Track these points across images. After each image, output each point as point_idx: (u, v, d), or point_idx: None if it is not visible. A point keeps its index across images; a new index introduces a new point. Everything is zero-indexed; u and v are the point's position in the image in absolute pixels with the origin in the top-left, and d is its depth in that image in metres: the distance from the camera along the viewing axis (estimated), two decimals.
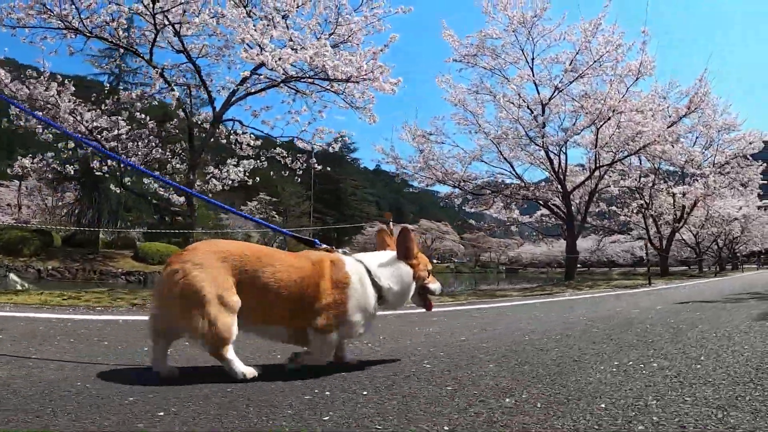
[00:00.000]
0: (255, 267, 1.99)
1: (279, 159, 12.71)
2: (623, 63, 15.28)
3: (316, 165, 12.49)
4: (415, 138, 17.36)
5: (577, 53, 15.49)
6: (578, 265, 65.18)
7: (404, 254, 2.25)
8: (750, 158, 23.27)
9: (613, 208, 24.02)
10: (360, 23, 10.81)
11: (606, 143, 15.57)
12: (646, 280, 14.40)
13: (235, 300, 1.91)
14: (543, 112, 15.99)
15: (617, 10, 15.57)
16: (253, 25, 9.34)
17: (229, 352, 1.92)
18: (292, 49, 9.39)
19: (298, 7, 10.39)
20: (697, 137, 23.29)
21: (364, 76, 9.68)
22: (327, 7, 10.67)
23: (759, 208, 35.77)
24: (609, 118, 15.02)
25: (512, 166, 18.08)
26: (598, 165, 16.52)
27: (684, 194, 19.95)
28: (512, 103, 16.14)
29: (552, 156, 16.69)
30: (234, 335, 1.91)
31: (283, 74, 9.71)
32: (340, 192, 70.63)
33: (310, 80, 10.47)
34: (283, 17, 10.14)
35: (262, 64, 9.69)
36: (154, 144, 12.53)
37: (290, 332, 2.08)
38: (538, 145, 16.39)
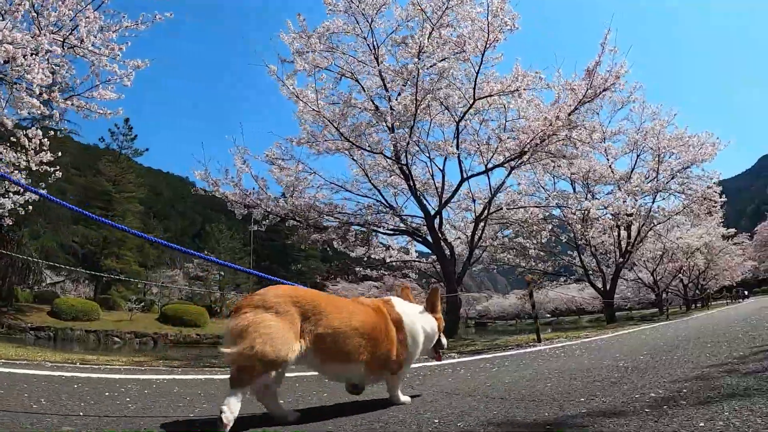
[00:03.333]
0: (325, 311, 2.01)
1: None
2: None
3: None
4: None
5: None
6: (548, 315, 59.31)
7: (432, 308, 2.49)
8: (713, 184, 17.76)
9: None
10: None
11: (476, 146, 9.94)
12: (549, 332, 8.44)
13: (298, 345, 1.90)
14: (391, 111, 10.33)
15: None
16: None
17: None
18: None
19: None
20: (638, 156, 17.97)
21: None
22: None
23: (724, 237, 30.26)
24: (468, 108, 9.56)
25: (380, 192, 12.40)
26: (465, 176, 10.75)
27: (617, 217, 14.11)
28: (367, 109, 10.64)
29: (409, 169, 10.84)
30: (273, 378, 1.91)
31: None
32: (286, 247, 64.07)
33: None
34: None
35: None
36: None
37: (363, 371, 2.13)
38: (389, 157, 10.70)
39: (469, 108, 9.66)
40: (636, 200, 16.09)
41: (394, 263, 14.77)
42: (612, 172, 16.00)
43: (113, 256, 40.88)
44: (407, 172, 10.56)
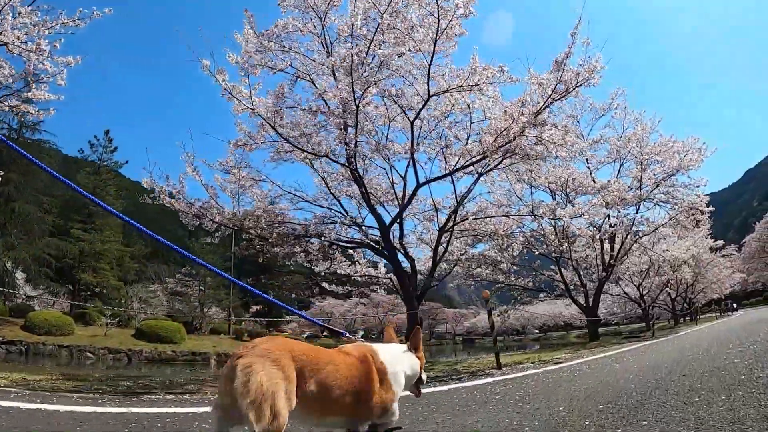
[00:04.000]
0: (317, 365, 2.02)
1: None
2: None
3: None
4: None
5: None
6: (536, 330, 57.87)
7: (414, 347, 2.60)
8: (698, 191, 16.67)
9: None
10: None
11: (436, 149, 8.79)
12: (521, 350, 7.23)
13: (294, 399, 1.88)
14: (344, 111, 9.13)
15: None
16: None
17: None
18: None
19: None
20: (621, 165, 16.91)
21: None
22: None
23: (712, 250, 29.29)
24: (423, 106, 8.45)
25: (339, 201, 11.18)
26: (422, 182, 9.56)
27: (598, 229, 12.96)
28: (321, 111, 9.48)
29: (359, 173, 9.61)
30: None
31: None
32: (269, 263, 61.66)
33: None
34: None
35: None
36: None
37: (347, 421, 2.17)
38: (334, 160, 9.51)
39: (424, 105, 8.52)
40: (619, 210, 15.01)
41: (359, 278, 13.50)
42: (594, 181, 14.90)
43: (90, 270, 39.36)
44: (358, 176, 9.36)
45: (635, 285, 22.94)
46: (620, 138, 15.90)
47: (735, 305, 40.13)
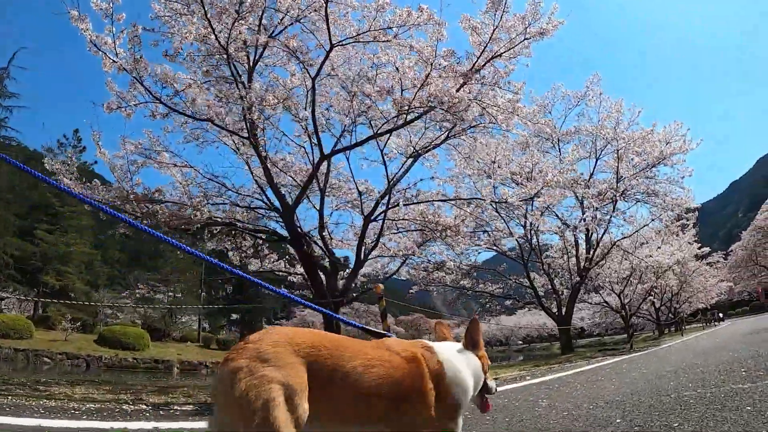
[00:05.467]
0: (337, 360, 1.47)
1: None
2: None
3: None
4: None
5: None
6: (519, 342, 55.75)
7: (473, 344, 1.88)
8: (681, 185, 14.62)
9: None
10: None
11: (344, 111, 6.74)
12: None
13: (305, 409, 1.37)
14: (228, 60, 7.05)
15: None
16: None
17: None
18: None
19: None
20: (597, 159, 14.89)
21: None
22: None
23: (698, 258, 27.40)
24: (325, 59, 6.45)
25: (257, 183, 9.06)
26: (327, 153, 7.47)
27: (567, 226, 10.88)
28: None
29: (256, 140, 7.48)
30: None
31: None
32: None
33: None
34: None
35: None
36: None
37: None
38: (222, 127, 7.43)
39: (326, 58, 6.53)
40: (595, 207, 12.99)
41: (295, 280, 11.47)
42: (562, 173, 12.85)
43: (54, 273, 37.25)
44: (254, 145, 7.25)
45: (616, 293, 20.82)
46: (596, 127, 13.86)
47: (721, 315, 38.18)
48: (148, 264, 47.10)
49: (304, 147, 9.15)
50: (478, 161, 11.21)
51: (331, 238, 11.33)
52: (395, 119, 6.67)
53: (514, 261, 14.35)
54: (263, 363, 1.35)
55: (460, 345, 1.88)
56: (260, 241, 10.63)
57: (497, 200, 8.74)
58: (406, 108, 6.16)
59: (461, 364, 1.75)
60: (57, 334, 30.33)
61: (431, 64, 5.96)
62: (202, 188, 9.31)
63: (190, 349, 33.81)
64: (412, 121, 6.62)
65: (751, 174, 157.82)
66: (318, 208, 8.77)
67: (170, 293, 40.22)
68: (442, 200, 8.79)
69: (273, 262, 12.12)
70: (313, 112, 6.98)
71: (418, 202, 8.50)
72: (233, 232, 10.56)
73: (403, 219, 8.81)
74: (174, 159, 9.22)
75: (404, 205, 8.27)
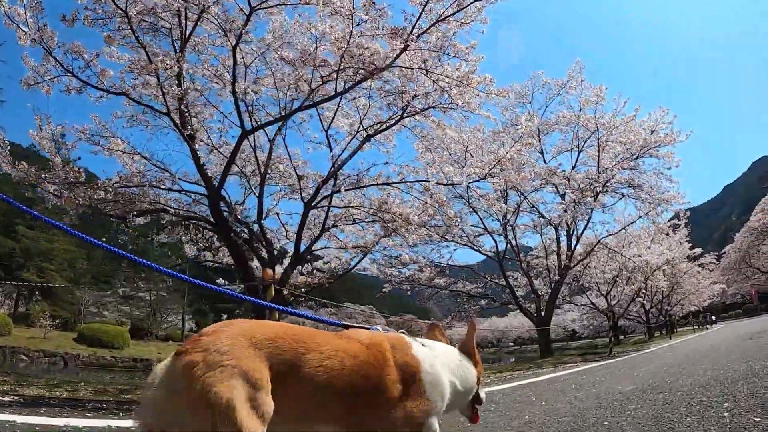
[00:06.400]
0: (299, 353, 1.33)
1: None
2: None
3: None
4: None
5: None
6: (511, 343, 54.63)
7: (468, 352, 1.76)
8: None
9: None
10: None
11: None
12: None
13: (270, 404, 1.23)
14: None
15: None
16: None
17: None
18: None
19: None
20: (580, 151, 13.88)
21: None
22: None
23: (690, 259, 26.47)
24: (246, 23, 5.47)
25: (199, 167, 7.98)
26: (249, 129, 6.45)
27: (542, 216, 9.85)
28: None
29: (182, 112, 6.47)
30: None
31: None
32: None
33: None
34: None
35: None
36: None
37: None
38: (140, 104, 6.40)
39: (247, 21, 5.54)
40: (575, 201, 11.96)
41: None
42: (545, 162, 11.86)
43: (35, 269, 36.42)
44: (174, 123, 6.24)
45: (602, 294, 19.80)
46: (577, 115, 12.84)
47: (714, 318, 37.21)
48: (131, 262, 46.08)
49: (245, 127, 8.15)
50: (448, 151, 10.23)
51: (287, 230, 10.34)
52: (317, 89, 5.68)
53: (491, 259, 13.35)
54: (221, 357, 1.19)
55: (454, 349, 1.75)
56: (209, 233, 9.68)
57: (445, 182, 7.69)
58: (332, 73, 5.17)
59: (445, 366, 1.59)
60: (36, 332, 29.60)
61: (351, 19, 4.97)
62: (143, 173, 8.39)
63: (172, 348, 32.83)
64: (344, 91, 5.65)
65: (746, 177, 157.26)
66: (257, 194, 7.78)
67: (154, 292, 39.27)
68: (381, 183, 7.74)
69: (228, 255, 11.17)
70: (233, 84, 5.98)
71: (359, 187, 7.47)
72: (185, 224, 9.64)
73: (350, 207, 7.81)
74: (122, 145, 8.29)
75: (345, 190, 7.25)
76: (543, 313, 13.47)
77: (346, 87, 5.85)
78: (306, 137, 8.27)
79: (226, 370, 1.17)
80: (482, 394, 1.78)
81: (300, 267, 11.31)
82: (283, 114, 6.55)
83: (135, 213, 8.02)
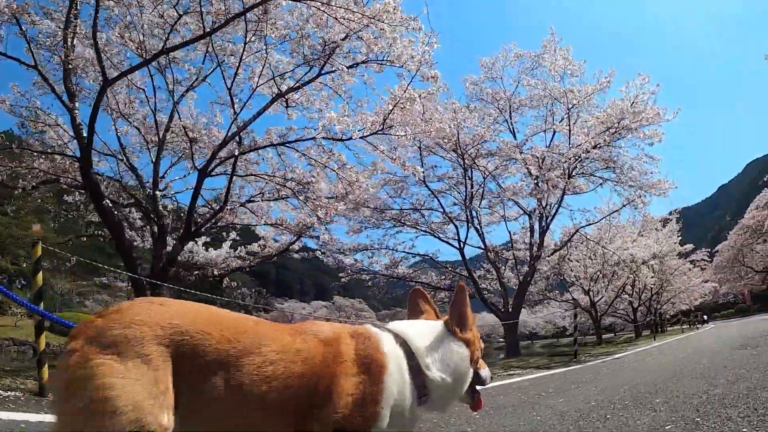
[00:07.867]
0: (222, 353, 0.98)
1: None
2: None
3: None
4: None
5: None
6: (501, 339, 53.22)
7: (458, 323, 1.30)
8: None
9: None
10: None
11: None
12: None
13: (166, 422, 0.92)
14: None
15: None
16: None
17: None
18: None
19: None
20: (555, 132, 12.41)
21: None
22: None
23: (680, 255, 25.10)
24: None
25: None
26: (112, 78, 5.05)
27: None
28: None
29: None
30: None
31: None
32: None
33: None
34: None
35: None
36: None
37: None
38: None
39: None
40: (545, 180, 10.52)
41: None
42: (515, 140, 10.41)
43: (11, 256, 35.30)
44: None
45: (584, 290, 18.40)
46: (541, 80, 11.31)
47: (705, 317, 35.89)
48: (108, 251, 45.00)
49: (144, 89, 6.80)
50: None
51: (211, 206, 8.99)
52: (175, 25, 4.33)
53: (452, 246, 12.00)
54: (103, 349, 0.90)
55: (438, 325, 1.30)
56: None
57: (332, 137, 6.21)
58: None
59: (426, 356, 1.20)
60: (7, 320, 29.08)
61: None
62: None
63: None
64: (213, 31, 4.32)
65: (740, 178, 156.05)
66: (153, 160, 6.42)
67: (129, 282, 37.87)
68: (273, 145, 6.30)
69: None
70: (94, 27, 4.60)
71: (255, 149, 6.06)
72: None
73: (251, 175, 6.45)
74: None
75: (240, 153, 5.88)
76: (510, 308, 12.06)
77: (215, 26, 4.51)
78: (208, 96, 6.94)
79: (103, 370, 0.88)
80: (483, 374, 1.35)
81: (234, 249, 9.98)
82: (146, 58, 5.18)
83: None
